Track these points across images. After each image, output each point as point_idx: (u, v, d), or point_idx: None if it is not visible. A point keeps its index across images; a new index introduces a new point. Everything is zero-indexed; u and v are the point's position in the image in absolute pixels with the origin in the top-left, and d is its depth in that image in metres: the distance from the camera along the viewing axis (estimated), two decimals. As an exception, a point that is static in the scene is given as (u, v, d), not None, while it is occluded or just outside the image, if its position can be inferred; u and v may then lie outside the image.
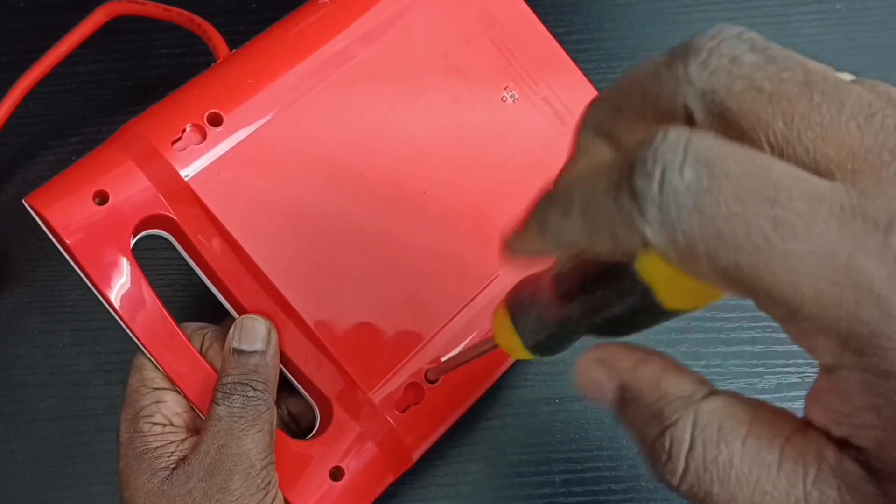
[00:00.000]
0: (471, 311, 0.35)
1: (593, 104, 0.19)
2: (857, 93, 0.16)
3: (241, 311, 0.32)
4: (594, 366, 0.19)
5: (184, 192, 0.31)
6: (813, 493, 0.16)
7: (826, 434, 0.16)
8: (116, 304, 0.30)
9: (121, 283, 0.31)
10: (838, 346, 0.15)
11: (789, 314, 0.15)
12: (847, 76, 0.17)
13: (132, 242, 0.31)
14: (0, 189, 0.44)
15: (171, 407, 0.31)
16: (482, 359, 0.31)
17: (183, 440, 0.31)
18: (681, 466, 0.17)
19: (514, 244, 0.20)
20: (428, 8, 0.37)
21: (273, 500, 0.30)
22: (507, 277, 0.35)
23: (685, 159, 0.15)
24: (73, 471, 0.39)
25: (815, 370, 0.39)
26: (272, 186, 0.33)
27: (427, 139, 0.35)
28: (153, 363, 0.31)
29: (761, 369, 0.40)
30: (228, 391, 0.30)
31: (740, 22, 0.52)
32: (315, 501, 0.32)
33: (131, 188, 0.31)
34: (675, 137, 0.15)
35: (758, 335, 0.41)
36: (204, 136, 0.32)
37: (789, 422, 0.17)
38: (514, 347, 0.24)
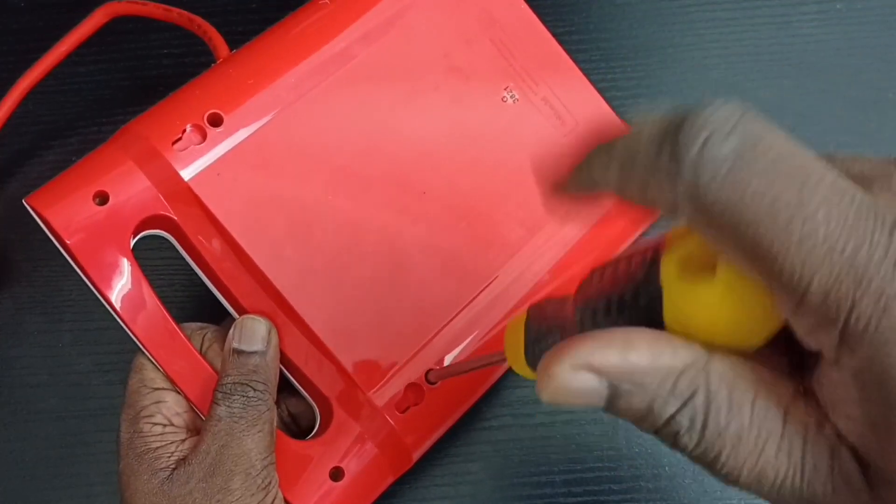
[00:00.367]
0: (471, 311, 0.35)
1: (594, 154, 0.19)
2: (840, 157, 0.17)
3: (241, 311, 0.32)
4: (574, 373, 0.18)
5: (184, 193, 0.31)
6: (814, 470, 0.16)
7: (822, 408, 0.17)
8: (116, 305, 0.30)
9: (121, 284, 0.31)
10: (837, 340, 0.15)
11: (796, 305, 0.15)
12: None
13: (132, 243, 0.31)
14: (0, 189, 0.44)
15: (171, 407, 0.31)
16: (483, 359, 0.31)
17: (183, 440, 0.31)
18: (697, 437, 0.17)
19: (552, 180, 0.20)
20: (428, 8, 0.37)
21: (273, 500, 0.30)
22: (507, 278, 0.35)
23: (733, 130, 0.15)
24: (73, 471, 0.39)
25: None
26: (272, 187, 0.33)
27: (427, 139, 0.35)
28: (153, 363, 0.31)
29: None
30: (229, 391, 0.30)
31: (740, 22, 0.52)
32: (315, 502, 0.32)
33: (131, 188, 0.31)
34: (730, 108, 0.15)
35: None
36: (204, 136, 0.32)
37: (789, 383, 0.17)
38: (519, 363, 0.24)
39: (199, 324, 0.34)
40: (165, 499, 0.29)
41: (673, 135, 0.15)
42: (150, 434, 0.31)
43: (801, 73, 0.46)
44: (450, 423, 0.35)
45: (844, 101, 0.46)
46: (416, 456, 0.34)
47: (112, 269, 0.31)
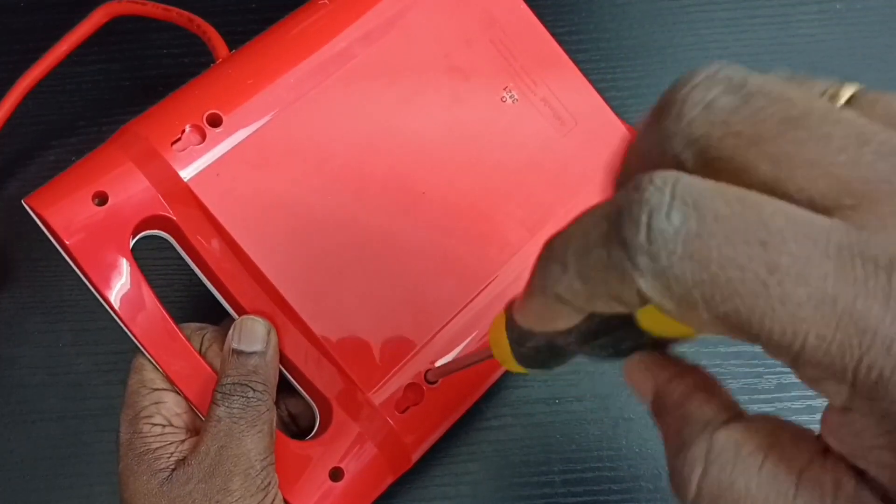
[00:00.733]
0: (470, 311, 0.35)
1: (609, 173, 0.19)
2: (846, 120, 0.15)
3: (241, 311, 0.32)
4: (638, 368, 0.19)
5: (183, 193, 0.31)
6: None
7: (844, 461, 0.16)
8: (116, 305, 0.30)
9: (120, 284, 0.31)
10: (848, 391, 0.14)
11: (794, 360, 0.14)
12: (849, 89, 0.16)
13: (131, 243, 0.31)
14: (0, 189, 0.44)
15: (170, 408, 0.31)
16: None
17: (183, 441, 0.31)
18: (693, 489, 0.17)
19: (524, 317, 0.19)
20: (428, 8, 0.37)
21: (273, 500, 0.30)
22: (506, 278, 0.35)
23: (672, 202, 0.14)
24: (73, 471, 0.39)
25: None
26: (272, 187, 0.33)
27: (427, 139, 0.35)
28: (153, 364, 0.31)
29: (761, 369, 0.40)
30: (228, 392, 0.30)
31: (740, 22, 0.52)
32: (315, 502, 0.32)
33: (131, 189, 0.31)
34: (660, 181, 0.14)
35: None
36: (203, 136, 0.32)
37: (809, 446, 0.17)
38: (508, 361, 0.24)
39: (198, 324, 0.34)
40: (165, 499, 0.29)
41: (616, 227, 0.14)
42: (149, 434, 0.31)
43: (801, 73, 0.46)
44: (449, 423, 0.35)
45: (844, 100, 0.46)
46: (415, 456, 0.34)
47: (111, 270, 0.31)
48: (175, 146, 0.31)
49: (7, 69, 0.41)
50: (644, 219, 0.14)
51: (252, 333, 0.32)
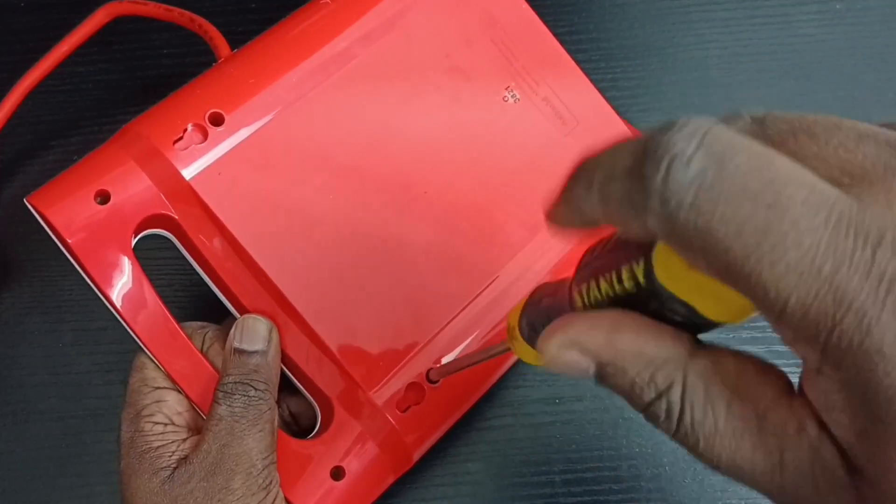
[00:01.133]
0: (472, 311, 0.35)
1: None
2: (849, 124, 0.16)
3: (243, 310, 0.32)
4: (564, 350, 0.19)
5: (185, 192, 0.31)
6: (789, 464, 0.16)
7: (810, 406, 0.17)
8: (118, 304, 0.30)
9: (122, 283, 0.31)
10: (819, 356, 0.15)
11: (775, 318, 0.15)
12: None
13: (133, 242, 0.31)
14: (1, 189, 0.44)
15: (172, 406, 0.31)
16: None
17: (184, 440, 0.31)
18: (673, 426, 0.18)
19: (550, 213, 0.20)
20: (429, 8, 0.37)
21: (274, 499, 0.30)
22: (508, 278, 0.35)
23: (696, 152, 0.15)
24: (73, 471, 0.39)
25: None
26: (273, 186, 0.33)
27: (428, 139, 0.35)
28: (154, 363, 0.31)
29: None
30: (230, 391, 0.30)
31: (740, 22, 0.52)
32: (316, 501, 0.32)
33: (133, 188, 0.31)
34: (693, 127, 0.15)
35: (758, 335, 0.41)
36: (205, 135, 0.32)
37: (773, 382, 0.17)
38: (531, 355, 0.24)
39: (200, 323, 0.34)
40: (166, 498, 0.29)
41: (639, 164, 0.15)
42: (151, 433, 0.31)
43: (801, 73, 0.46)
44: (450, 422, 0.35)
45: (844, 101, 0.46)
46: (416, 455, 0.34)
47: (113, 269, 0.31)
48: (177, 145, 0.31)
49: (7, 69, 0.41)
50: (665, 164, 0.15)
51: (253, 332, 0.32)
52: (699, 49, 0.47)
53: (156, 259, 0.39)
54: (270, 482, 0.30)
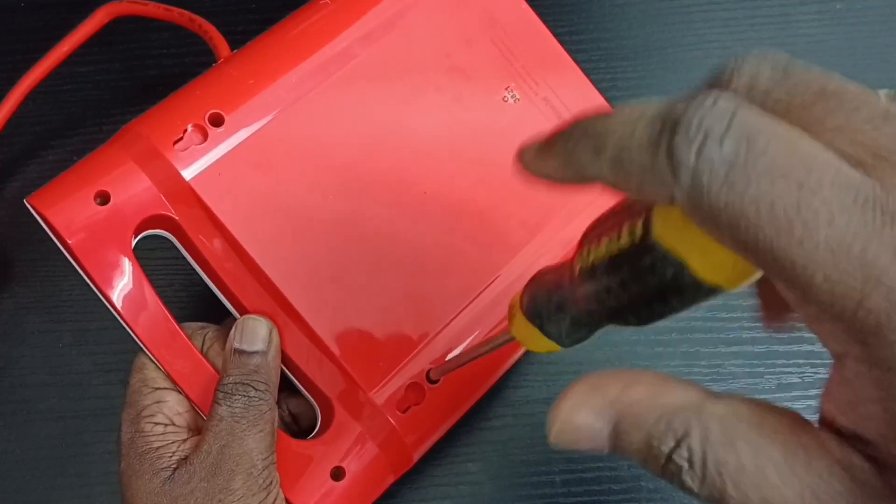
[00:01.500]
0: (472, 310, 0.35)
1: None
2: (875, 101, 0.16)
3: (243, 311, 0.32)
4: (576, 411, 0.19)
5: (185, 193, 0.31)
6: (821, 486, 0.16)
7: (831, 428, 0.17)
8: (118, 304, 0.30)
9: (122, 284, 0.31)
10: (845, 335, 0.15)
11: (801, 296, 0.15)
12: (884, 92, 0.17)
13: (133, 242, 0.31)
14: (1, 189, 0.44)
15: (172, 407, 0.31)
16: (483, 359, 0.31)
17: (184, 440, 0.31)
18: (699, 474, 0.17)
19: (531, 161, 0.20)
20: (429, 8, 0.37)
21: (274, 500, 0.30)
22: (508, 278, 0.35)
23: (728, 130, 0.15)
24: (73, 471, 0.39)
25: (814, 370, 0.40)
26: (273, 186, 0.33)
27: (428, 139, 0.35)
28: (154, 363, 0.32)
29: (761, 369, 0.40)
30: (230, 391, 0.30)
31: (740, 22, 0.52)
32: (316, 501, 0.32)
33: (133, 188, 0.31)
34: (723, 106, 0.15)
35: (758, 335, 0.41)
36: (205, 136, 0.32)
37: (790, 418, 0.17)
38: (532, 337, 0.24)
39: (200, 323, 0.34)
40: (167, 498, 0.29)
41: (668, 137, 0.15)
42: (151, 433, 0.31)
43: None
44: (450, 422, 0.35)
45: (844, 101, 0.46)
46: (416, 456, 0.34)
47: (113, 269, 0.31)
48: (177, 146, 0.31)
49: (7, 69, 0.41)
50: (699, 139, 0.15)
51: (254, 333, 0.32)
52: (699, 49, 0.47)
53: (156, 259, 0.39)
54: (271, 482, 0.30)
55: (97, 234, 0.30)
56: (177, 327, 0.32)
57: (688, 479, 0.17)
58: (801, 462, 0.16)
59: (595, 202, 0.37)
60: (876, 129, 0.16)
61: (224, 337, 0.33)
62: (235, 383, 0.31)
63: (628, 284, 0.19)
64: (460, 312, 0.34)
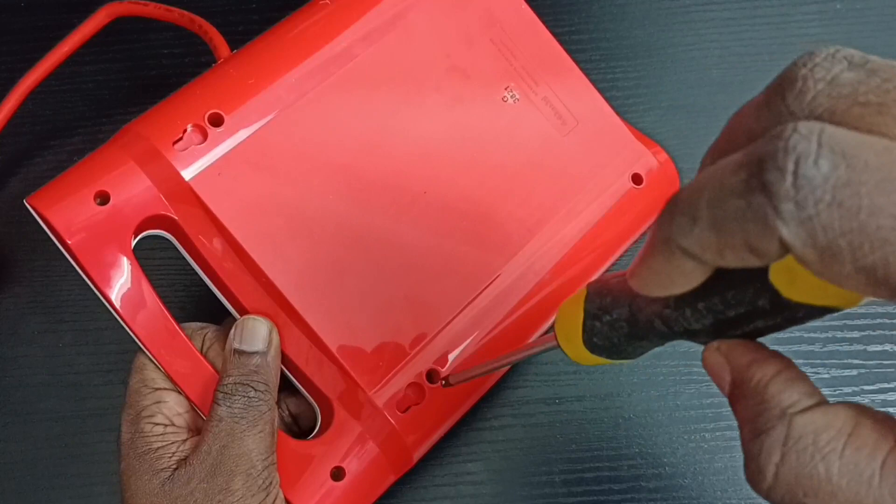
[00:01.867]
0: (472, 310, 0.35)
1: (706, 156, 0.18)
2: None
3: (243, 311, 0.32)
4: (716, 353, 0.20)
5: (185, 193, 0.31)
6: None
7: None
8: (118, 305, 0.30)
9: (122, 284, 0.31)
10: None
11: None
12: None
13: (133, 243, 0.31)
14: (1, 189, 0.44)
15: (172, 407, 0.31)
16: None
17: (184, 440, 0.31)
18: (770, 476, 0.17)
19: (640, 279, 0.19)
20: (429, 8, 0.37)
21: (274, 500, 0.30)
22: (508, 278, 0.35)
23: (820, 150, 0.14)
24: (73, 471, 0.39)
25: (814, 370, 0.39)
26: (273, 187, 0.33)
27: (428, 139, 0.35)
28: (154, 363, 0.31)
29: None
30: (230, 392, 0.30)
31: (740, 22, 0.52)
32: (316, 502, 0.32)
33: (132, 188, 0.31)
34: (807, 129, 0.14)
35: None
36: (205, 136, 0.32)
37: (892, 432, 0.16)
38: (577, 349, 0.23)
39: (199, 324, 0.34)
40: (166, 499, 0.29)
41: (758, 172, 0.14)
42: (151, 434, 0.31)
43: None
44: (451, 422, 0.35)
45: (844, 101, 0.46)
46: (416, 456, 0.34)
47: (113, 269, 0.31)
48: (177, 146, 0.31)
49: (7, 69, 0.41)
50: (791, 166, 0.14)
51: (253, 333, 0.32)
52: (699, 49, 0.47)
53: (156, 259, 0.39)
54: (270, 483, 0.30)
55: (97, 234, 0.30)
56: (176, 327, 0.32)
57: (755, 477, 0.17)
58: None
59: (595, 202, 0.37)
60: None
61: (224, 337, 0.33)
62: (235, 384, 0.31)
63: (724, 310, 0.19)
64: (460, 312, 0.34)
